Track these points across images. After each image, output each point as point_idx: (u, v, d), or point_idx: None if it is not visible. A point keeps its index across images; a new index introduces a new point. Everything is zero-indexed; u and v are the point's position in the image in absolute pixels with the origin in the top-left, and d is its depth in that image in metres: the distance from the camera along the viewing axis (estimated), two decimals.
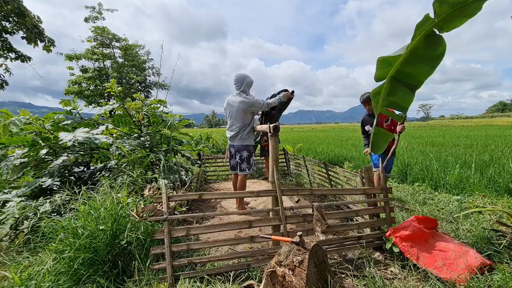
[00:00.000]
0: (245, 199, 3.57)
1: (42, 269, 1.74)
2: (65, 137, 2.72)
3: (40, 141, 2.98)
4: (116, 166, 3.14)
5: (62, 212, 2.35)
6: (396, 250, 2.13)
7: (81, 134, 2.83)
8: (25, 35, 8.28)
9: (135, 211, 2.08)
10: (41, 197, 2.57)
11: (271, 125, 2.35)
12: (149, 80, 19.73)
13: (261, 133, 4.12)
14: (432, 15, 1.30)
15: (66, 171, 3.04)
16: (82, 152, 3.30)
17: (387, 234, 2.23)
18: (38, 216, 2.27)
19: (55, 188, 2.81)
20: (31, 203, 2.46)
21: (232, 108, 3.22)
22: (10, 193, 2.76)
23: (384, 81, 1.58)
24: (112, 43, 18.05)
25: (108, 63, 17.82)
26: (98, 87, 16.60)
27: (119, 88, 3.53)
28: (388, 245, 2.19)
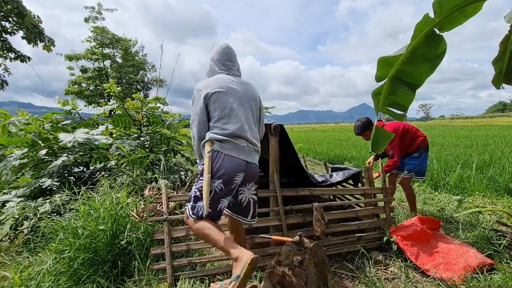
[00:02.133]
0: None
1: (42, 269, 1.73)
2: (65, 138, 2.71)
3: (40, 142, 2.97)
4: (115, 166, 3.14)
5: (62, 212, 2.34)
6: (395, 248, 2.12)
7: (81, 135, 2.83)
8: (25, 35, 8.27)
9: (135, 211, 2.08)
10: (41, 198, 2.56)
11: (271, 125, 2.34)
12: (148, 78, 19.70)
13: None
14: (432, 15, 1.30)
15: (66, 172, 3.04)
16: (81, 153, 3.30)
17: (389, 232, 2.23)
18: (38, 216, 2.27)
19: (54, 188, 2.80)
20: (30, 203, 2.46)
21: (240, 97, 1.62)
22: (10, 193, 2.76)
23: (384, 81, 1.58)
24: (112, 43, 18.04)
25: (107, 63, 17.83)
26: (98, 87, 16.59)
27: (118, 89, 3.53)
28: (387, 240, 2.19)
